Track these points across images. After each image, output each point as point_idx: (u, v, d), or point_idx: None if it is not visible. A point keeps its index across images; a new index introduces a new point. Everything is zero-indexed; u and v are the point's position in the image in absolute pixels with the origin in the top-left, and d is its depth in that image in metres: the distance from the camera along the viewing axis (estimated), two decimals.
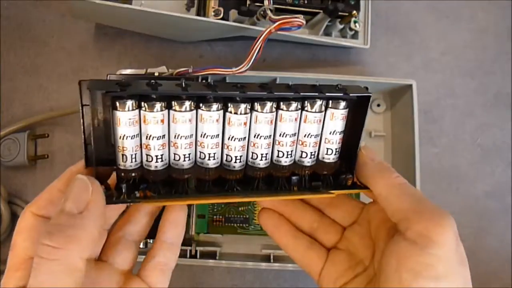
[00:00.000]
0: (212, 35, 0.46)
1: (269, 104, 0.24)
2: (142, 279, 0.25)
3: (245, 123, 0.24)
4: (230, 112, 0.24)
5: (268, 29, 0.33)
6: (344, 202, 0.29)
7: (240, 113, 0.24)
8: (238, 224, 0.41)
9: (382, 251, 0.24)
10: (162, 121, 0.23)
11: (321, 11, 0.42)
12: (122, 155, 0.23)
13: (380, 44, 0.48)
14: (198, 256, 0.40)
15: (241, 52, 0.47)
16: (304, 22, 0.33)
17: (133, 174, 0.24)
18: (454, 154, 0.47)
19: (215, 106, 0.23)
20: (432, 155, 0.47)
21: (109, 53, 0.47)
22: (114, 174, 0.24)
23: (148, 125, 0.23)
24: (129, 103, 0.22)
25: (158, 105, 0.22)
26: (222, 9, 0.40)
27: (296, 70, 0.47)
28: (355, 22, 0.43)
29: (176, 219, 0.26)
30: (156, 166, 0.24)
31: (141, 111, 0.23)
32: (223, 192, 0.26)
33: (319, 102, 0.25)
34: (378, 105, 0.45)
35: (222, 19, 0.40)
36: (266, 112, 0.24)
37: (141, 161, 0.24)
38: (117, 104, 0.22)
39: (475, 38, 0.49)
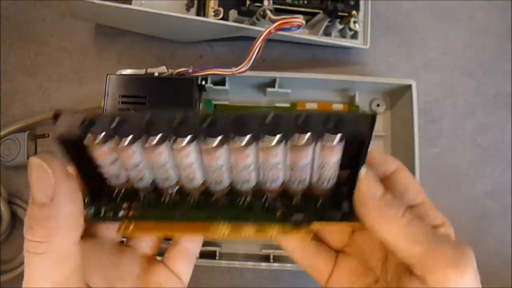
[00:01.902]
0: (212, 35, 0.46)
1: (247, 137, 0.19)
2: (166, 265, 0.25)
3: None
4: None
5: (268, 29, 0.33)
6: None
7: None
8: None
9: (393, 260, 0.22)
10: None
11: (320, 11, 0.42)
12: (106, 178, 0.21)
13: (379, 44, 0.48)
14: (198, 256, 0.40)
15: (241, 52, 0.47)
16: (304, 22, 0.33)
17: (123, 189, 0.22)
18: (454, 154, 0.47)
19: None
20: (432, 155, 0.47)
21: (109, 53, 0.47)
22: None
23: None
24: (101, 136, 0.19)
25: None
26: (222, 9, 0.40)
27: (296, 70, 0.47)
28: (354, 22, 0.43)
29: None
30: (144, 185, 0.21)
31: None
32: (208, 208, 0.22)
33: (306, 136, 0.19)
34: (378, 105, 0.45)
35: (222, 19, 0.40)
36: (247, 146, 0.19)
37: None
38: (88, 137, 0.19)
39: (475, 38, 0.49)
